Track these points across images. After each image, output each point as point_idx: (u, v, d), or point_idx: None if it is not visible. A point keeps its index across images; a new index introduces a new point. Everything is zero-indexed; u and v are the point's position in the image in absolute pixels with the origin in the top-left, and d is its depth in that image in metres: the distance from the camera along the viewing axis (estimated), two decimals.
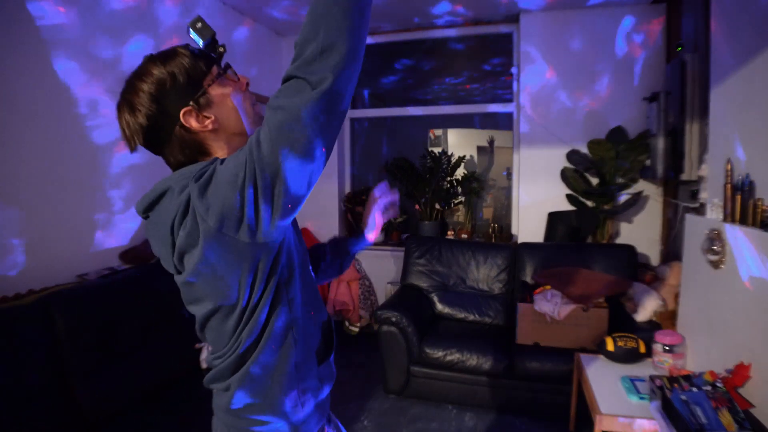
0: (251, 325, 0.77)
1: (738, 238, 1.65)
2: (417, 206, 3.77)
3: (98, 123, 2.26)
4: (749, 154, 1.71)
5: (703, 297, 1.93)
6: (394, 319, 2.71)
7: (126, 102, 0.77)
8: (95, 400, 1.79)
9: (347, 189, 4.16)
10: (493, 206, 4.13)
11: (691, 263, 2.03)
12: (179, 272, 0.77)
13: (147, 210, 0.78)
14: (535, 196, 3.45)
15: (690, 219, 2.11)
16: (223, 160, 0.71)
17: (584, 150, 3.25)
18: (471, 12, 3.41)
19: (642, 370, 2.01)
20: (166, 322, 2.21)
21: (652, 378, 1.74)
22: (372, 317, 3.62)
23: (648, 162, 2.99)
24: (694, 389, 1.58)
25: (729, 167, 1.76)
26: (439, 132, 4.29)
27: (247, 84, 0.87)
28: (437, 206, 3.74)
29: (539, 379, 2.49)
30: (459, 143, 4.28)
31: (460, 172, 3.82)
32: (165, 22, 2.63)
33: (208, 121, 0.79)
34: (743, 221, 1.65)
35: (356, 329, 3.73)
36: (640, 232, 3.27)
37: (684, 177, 2.57)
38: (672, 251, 2.99)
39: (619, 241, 3.31)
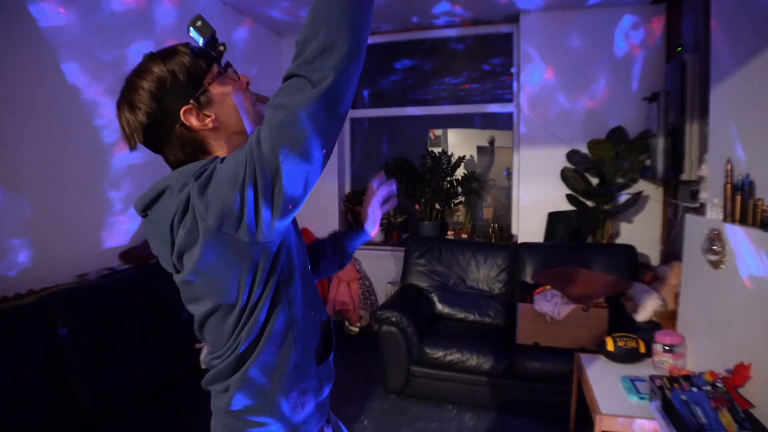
0: (251, 324, 0.77)
1: (738, 238, 1.65)
2: (417, 206, 3.77)
3: (98, 123, 2.27)
4: (749, 154, 1.71)
5: (703, 297, 1.93)
6: (394, 319, 2.71)
7: (126, 100, 0.77)
8: (95, 400, 1.79)
9: (347, 189, 4.16)
10: (493, 206, 4.13)
11: (691, 263, 2.03)
12: (178, 271, 0.76)
13: (146, 208, 0.78)
14: (535, 196, 3.45)
15: (690, 219, 2.11)
16: (223, 159, 0.71)
17: (584, 150, 3.25)
18: (471, 12, 3.41)
19: (642, 370, 2.01)
20: (166, 322, 2.21)
21: (652, 378, 1.74)
22: (372, 317, 3.62)
23: (648, 162, 2.99)
24: (694, 389, 1.58)
25: (729, 167, 1.76)
26: (439, 132, 4.29)
27: (247, 83, 0.87)
28: (437, 206, 3.74)
29: (539, 379, 2.49)
30: (459, 143, 4.28)
31: (460, 172, 3.82)
32: (165, 24, 2.63)
33: (208, 120, 0.79)
34: (743, 221, 1.65)
35: (356, 329, 3.73)
36: (640, 232, 3.27)
37: (684, 177, 2.57)
38: (672, 251, 2.99)
39: (619, 241, 3.31)
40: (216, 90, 0.80)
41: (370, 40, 3.92)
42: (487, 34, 3.71)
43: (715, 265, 1.79)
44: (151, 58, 0.78)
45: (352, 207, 3.96)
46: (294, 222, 0.86)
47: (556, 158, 3.35)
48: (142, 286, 2.16)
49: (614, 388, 1.88)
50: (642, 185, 3.21)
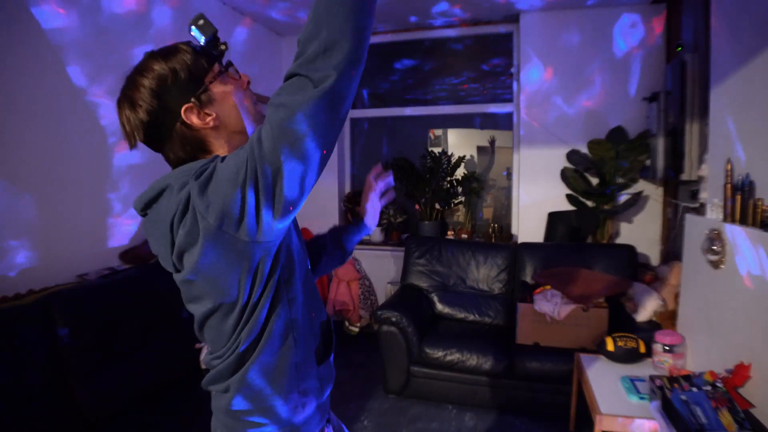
0: (251, 324, 0.77)
1: (738, 238, 1.65)
2: (417, 206, 3.77)
3: (99, 124, 2.27)
4: (749, 154, 1.71)
5: (703, 297, 1.93)
6: (394, 319, 2.71)
7: (127, 98, 0.77)
8: (95, 400, 1.79)
9: (347, 189, 4.16)
10: (493, 206, 4.13)
11: (691, 263, 2.03)
12: (178, 270, 0.76)
13: (145, 207, 0.78)
14: (535, 196, 3.45)
15: (690, 219, 2.11)
16: (223, 158, 0.71)
17: (584, 150, 3.25)
18: (470, 12, 3.41)
19: (642, 370, 2.01)
20: (166, 322, 2.21)
21: (652, 378, 1.74)
22: (372, 317, 3.62)
23: (648, 162, 2.99)
24: (694, 389, 1.58)
25: (729, 167, 1.76)
26: (439, 132, 4.29)
27: (248, 82, 0.87)
28: (437, 206, 3.74)
29: (539, 379, 2.49)
30: (459, 143, 4.28)
31: (460, 172, 3.82)
32: (164, 25, 2.63)
33: (209, 118, 0.79)
34: (743, 221, 1.65)
35: (356, 329, 3.72)
36: (640, 232, 3.27)
37: (684, 177, 2.57)
38: (672, 251, 2.99)
39: (619, 241, 3.31)
40: (217, 89, 0.80)
41: (370, 40, 3.89)
42: (486, 34, 3.71)
43: (715, 265, 1.79)
44: (152, 56, 0.78)
45: (352, 207, 3.96)
46: (294, 222, 0.86)
47: (556, 158, 3.35)
48: (142, 286, 2.16)
49: (614, 388, 1.88)
50: (642, 185, 3.21)
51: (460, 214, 4.00)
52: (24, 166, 1.95)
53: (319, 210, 3.96)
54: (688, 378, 1.67)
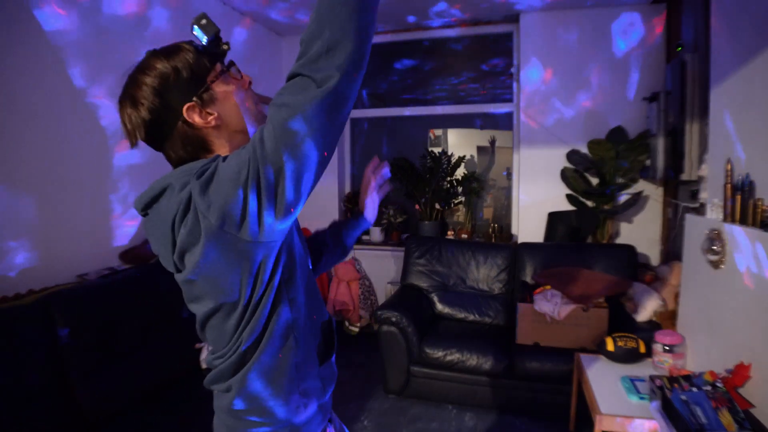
0: (252, 324, 0.77)
1: (738, 238, 1.65)
2: (417, 206, 3.77)
3: (99, 124, 2.27)
4: (749, 154, 1.71)
5: (703, 297, 1.93)
6: (394, 319, 2.71)
7: (128, 96, 0.77)
8: (95, 400, 1.79)
9: (347, 189, 4.16)
10: (493, 206, 4.13)
11: (691, 263, 2.03)
12: (179, 270, 0.76)
13: (146, 207, 0.78)
14: (535, 196, 3.45)
15: (690, 219, 2.11)
16: (225, 158, 0.71)
17: (584, 150, 3.25)
18: (470, 12, 3.41)
19: (642, 370, 2.01)
20: (166, 322, 2.21)
21: (652, 378, 1.74)
22: (372, 317, 3.62)
23: (648, 162, 2.99)
24: (694, 389, 1.58)
25: (729, 167, 1.76)
26: (439, 132, 4.29)
27: (250, 82, 0.87)
28: (437, 206, 3.74)
29: (539, 379, 2.49)
30: (459, 143, 4.28)
31: (460, 172, 3.82)
32: (165, 26, 2.63)
33: (211, 118, 0.78)
34: (743, 221, 1.65)
35: (356, 329, 3.73)
36: (640, 232, 3.27)
37: (684, 177, 2.57)
38: (672, 251, 2.99)
39: (619, 241, 3.31)
40: (219, 88, 0.80)
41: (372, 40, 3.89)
42: (486, 34, 3.71)
43: (715, 265, 1.79)
44: (154, 54, 0.78)
45: (352, 207, 3.96)
46: (296, 222, 0.86)
47: (556, 158, 3.35)
48: (142, 286, 2.16)
49: (614, 388, 1.88)
50: (642, 185, 3.21)
51: (460, 214, 4.00)
52: (24, 167, 1.95)
53: (319, 210, 3.95)
54: (688, 378, 1.67)
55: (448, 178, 3.73)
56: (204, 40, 0.80)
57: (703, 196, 2.39)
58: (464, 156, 3.83)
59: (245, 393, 0.81)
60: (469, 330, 2.94)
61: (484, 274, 3.20)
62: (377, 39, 3.83)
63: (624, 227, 3.33)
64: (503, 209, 4.02)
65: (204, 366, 2.20)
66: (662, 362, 1.98)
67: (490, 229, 3.75)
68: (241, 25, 3.37)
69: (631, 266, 2.90)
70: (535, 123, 3.41)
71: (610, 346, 2.11)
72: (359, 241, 3.95)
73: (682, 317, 2.13)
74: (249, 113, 0.84)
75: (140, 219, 2.51)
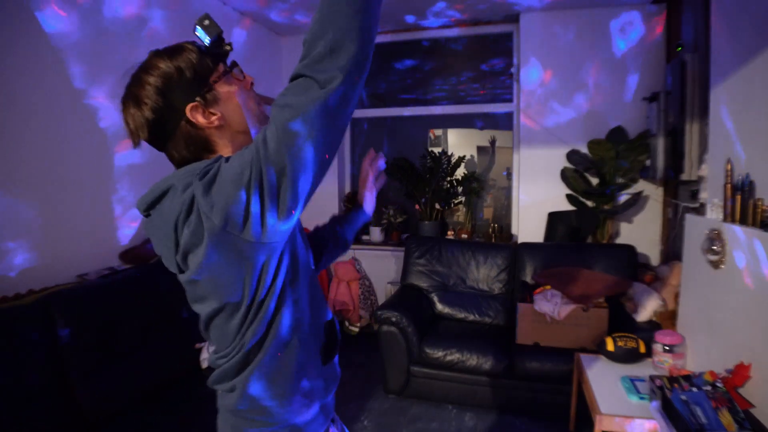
0: (256, 324, 0.77)
1: (738, 238, 1.65)
2: (417, 206, 3.77)
3: (98, 124, 2.27)
4: (749, 154, 1.71)
5: (703, 297, 1.93)
6: (394, 319, 2.71)
7: (131, 95, 0.77)
8: (95, 400, 1.79)
9: (347, 189, 4.16)
10: (493, 206, 4.13)
11: (691, 263, 2.03)
12: (182, 271, 0.76)
13: (149, 208, 0.77)
14: (535, 196, 3.45)
15: (690, 219, 2.11)
16: (227, 158, 0.71)
17: (584, 150, 3.25)
18: (470, 12, 3.41)
19: (642, 370, 2.01)
20: (166, 322, 2.21)
21: (652, 378, 1.74)
22: (372, 317, 3.62)
23: (648, 162, 2.99)
24: (694, 389, 1.58)
25: (729, 167, 1.76)
26: (439, 132, 4.29)
27: (252, 83, 0.87)
28: (437, 206, 3.74)
29: (539, 379, 2.49)
30: (459, 143, 4.28)
31: (460, 172, 3.82)
32: (165, 27, 2.63)
33: (214, 118, 0.79)
34: (743, 221, 1.65)
35: (356, 329, 3.73)
36: (640, 232, 3.27)
37: (684, 177, 2.57)
38: (672, 251, 2.99)
39: (619, 241, 3.31)
40: (222, 89, 0.80)
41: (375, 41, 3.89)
42: (486, 34, 3.71)
43: (715, 265, 1.79)
44: (157, 54, 0.78)
45: (353, 207, 3.96)
46: (298, 223, 0.86)
47: (556, 158, 3.35)
48: (142, 286, 2.16)
49: (614, 388, 1.88)
50: (642, 185, 3.21)
51: (460, 214, 4.00)
52: (24, 167, 1.95)
53: (319, 210, 3.92)
54: (688, 378, 1.67)
55: (448, 178, 3.73)
56: (207, 40, 0.80)
57: (703, 196, 2.39)
58: (464, 156, 3.83)
59: (249, 393, 0.81)
60: (469, 330, 2.94)
61: (484, 274, 3.20)
62: (377, 39, 3.82)
63: (624, 227, 3.33)
64: (503, 209, 4.02)
65: (204, 366, 2.20)
66: (662, 362, 1.98)
67: (490, 229, 3.75)
68: (241, 25, 3.37)
69: (631, 266, 2.90)
70: (535, 123, 3.41)
71: (610, 346, 2.11)
72: (359, 241, 3.95)
73: (682, 317, 2.13)
74: (251, 114, 0.84)
75: (140, 219, 2.51)
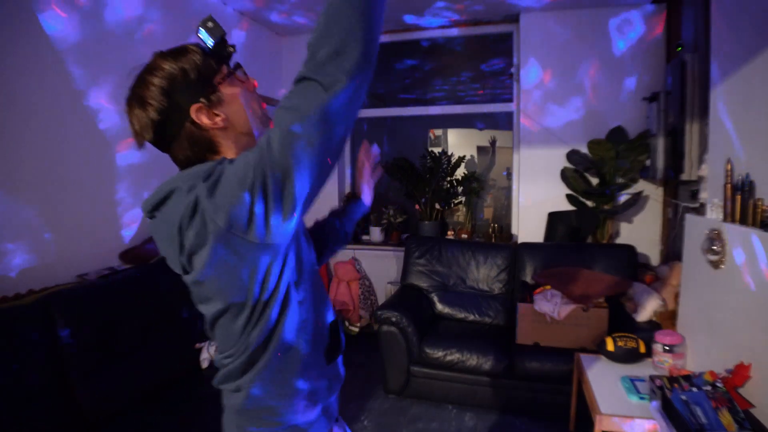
0: (260, 325, 0.77)
1: (738, 238, 1.65)
2: (417, 206, 3.77)
3: (98, 124, 2.27)
4: (749, 154, 1.71)
5: (703, 297, 1.93)
6: (394, 319, 2.71)
7: (136, 96, 0.77)
8: (95, 400, 1.79)
9: (347, 189, 4.17)
10: (493, 206, 4.13)
11: (691, 263, 2.03)
12: (186, 272, 0.76)
13: (153, 210, 0.78)
14: (535, 196, 3.45)
15: (690, 219, 2.10)
16: (231, 160, 0.71)
17: (584, 150, 3.25)
18: (471, 12, 3.41)
19: (642, 370, 2.01)
20: (166, 322, 2.21)
21: (652, 378, 1.74)
22: (372, 317, 3.62)
23: (648, 162, 2.99)
24: (694, 389, 1.58)
25: (729, 167, 1.76)
26: (439, 132, 4.29)
27: (255, 85, 0.88)
28: (437, 206, 3.74)
29: (539, 379, 2.49)
30: (459, 143, 4.28)
31: (460, 172, 3.82)
32: (166, 29, 2.63)
33: (218, 119, 0.79)
34: (743, 221, 1.65)
35: (356, 329, 3.73)
36: (640, 232, 3.27)
37: (684, 177, 2.57)
38: (672, 251, 2.99)
39: (619, 241, 3.31)
40: (226, 90, 0.81)
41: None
42: (486, 34, 3.71)
43: (715, 265, 1.79)
44: (161, 56, 0.79)
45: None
46: (302, 225, 0.86)
47: (556, 158, 3.35)
48: (142, 286, 2.16)
49: (614, 388, 1.88)
50: (642, 185, 3.21)
51: (460, 214, 4.00)
52: (24, 167, 1.95)
53: (319, 210, 3.95)
54: (688, 378, 1.67)
55: (448, 178, 3.74)
56: (210, 42, 0.80)
57: (703, 196, 2.39)
58: (464, 156, 3.83)
59: (254, 393, 0.81)
60: (469, 330, 2.94)
61: (484, 274, 3.20)
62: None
63: (624, 227, 3.33)
64: (503, 209, 4.02)
65: (204, 366, 2.20)
66: (662, 362, 1.98)
67: (490, 229, 3.75)
68: (241, 26, 3.37)
69: (631, 266, 2.90)
70: (535, 123, 3.41)
71: (610, 346, 2.11)
72: (359, 241, 3.95)
73: (682, 317, 2.13)
74: (254, 115, 0.84)
75: (140, 219, 2.52)
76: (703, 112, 2.38)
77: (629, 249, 2.96)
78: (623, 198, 3.20)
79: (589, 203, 3.24)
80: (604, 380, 1.94)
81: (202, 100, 0.78)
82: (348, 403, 2.70)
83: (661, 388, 1.64)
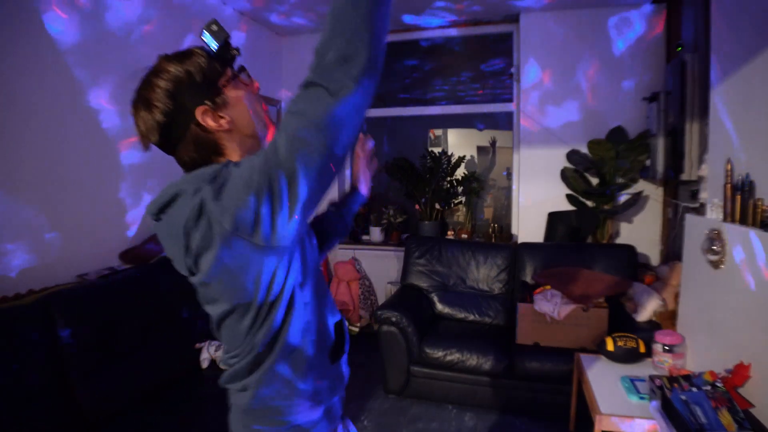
0: (266, 326, 0.78)
1: (738, 238, 1.65)
2: (417, 206, 3.77)
3: (99, 125, 2.27)
4: (749, 154, 1.71)
5: (703, 297, 1.93)
6: (394, 319, 2.71)
7: (142, 99, 0.78)
8: (95, 400, 1.79)
9: (347, 189, 4.16)
10: (493, 206, 4.13)
11: (691, 263, 2.03)
12: (193, 273, 0.77)
13: (159, 212, 0.78)
14: (535, 196, 3.45)
15: (690, 219, 2.11)
16: (237, 164, 0.72)
17: (584, 150, 3.25)
18: (471, 12, 3.41)
19: (642, 370, 2.01)
20: (166, 322, 2.21)
21: (651, 378, 1.74)
22: (372, 317, 3.62)
23: (648, 162, 2.99)
24: (694, 389, 1.58)
25: (729, 167, 1.76)
26: (439, 132, 4.29)
27: (258, 87, 0.89)
28: (437, 206, 3.74)
29: (539, 379, 2.49)
30: (459, 143, 4.28)
31: (460, 172, 3.82)
32: (166, 30, 2.63)
33: (223, 121, 0.80)
34: (743, 221, 1.65)
35: (356, 329, 3.73)
36: (640, 232, 3.27)
37: (684, 177, 2.57)
38: (672, 251, 2.99)
39: (619, 241, 3.31)
40: (230, 93, 0.82)
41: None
42: (487, 34, 3.71)
43: (715, 265, 1.79)
44: (166, 58, 0.80)
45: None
46: (308, 226, 0.87)
47: (556, 158, 3.35)
48: (142, 286, 2.15)
49: (614, 388, 1.88)
50: (642, 185, 3.21)
51: (460, 214, 4.00)
52: (24, 167, 1.95)
53: (319, 210, 3.95)
54: (687, 378, 1.67)
55: (448, 178, 3.74)
56: (214, 45, 0.81)
57: (703, 196, 2.39)
58: (464, 156, 3.83)
59: (260, 393, 0.82)
60: (469, 330, 2.94)
61: (484, 274, 3.20)
62: None
63: (624, 227, 3.33)
64: (503, 209, 4.02)
65: (204, 366, 2.20)
66: (662, 362, 1.98)
67: (490, 229, 3.75)
68: (241, 26, 3.37)
69: (631, 266, 2.90)
70: (535, 123, 3.41)
71: (610, 346, 2.11)
72: (359, 241, 3.95)
73: (682, 317, 2.13)
74: (258, 117, 0.86)
75: (140, 219, 2.52)
76: (703, 112, 2.38)
77: (629, 249, 2.96)
78: (623, 198, 3.20)
79: (589, 203, 3.24)
80: (604, 380, 1.94)
81: (207, 102, 0.79)
82: (348, 403, 2.69)
83: (661, 387, 1.64)
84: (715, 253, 1.77)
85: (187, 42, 2.73)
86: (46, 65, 2.02)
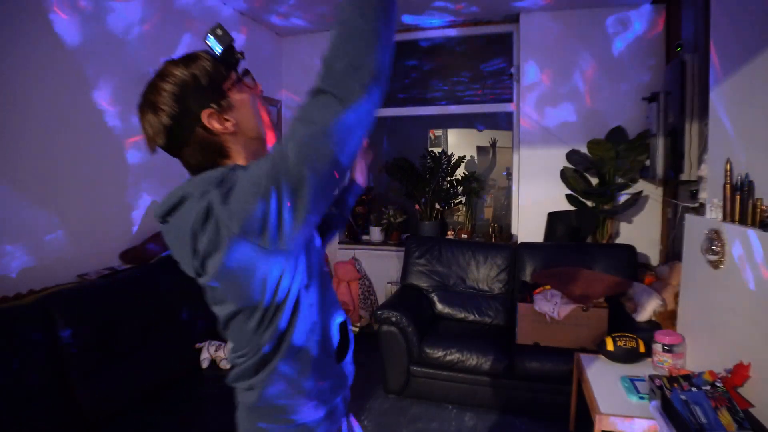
0: (272, 327, 0.79)
1: (738, 238, 1.65)
2: (417, 206, 3.77)
3: (99, 125, 2.27)
4: (749, 154, 1.71)
5: (702, 297, 1.93)
6: (394, 319, 2.71)
7: (148, 102, 0.79)
8: (95, 400, 1.79)
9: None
10: (493, 206, 4.13)
11: (691, 263, 2.03)
12: (200, 276, 0.78)
13: (166, 215, 0.79)
14: (535, 196, 3.45)
15: (690, 219, 2.11)
16: (244, 168, 0.73)
17: (584, 150, 3.25)
18: (471, 12, 3.41)
19: (642, 370, 2.01)
20: (166, 322, 2.21)
21: (651, 378, 1.74)
22: (372, 317, 3.62)
23: (648, 162, 2.99)
24: (694, 389, 1.58)
25: (728, 167, 1.76)
26: (439, 132, 4.29)
27: (261, 91, 0.90)
28: (437, 206, 3.74)
29: (539, 379, 2.49)
30: (459, 143, 4.28)
31: (460, 172, 3.82)
32: (167, 31, 2.63)
33: (228, 124, 0.81)
34: (743, 221, 1.65)
35: (356, 329, 3.73)
36: (640, 232, 3.27)
37: (684, 177, 2.57)
38: (672, 251, 2.99)
39: (619, 241, 3.31)
40: (235, 96, 0.83)
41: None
42: (487, 34, 3.71)
43: (715, 265, 1.79)
44: (172, 63, 0.81)
45: (354, 206, 3.96)
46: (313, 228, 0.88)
47: (556, 158, 3.35)
48: (142, 286, 2.15)
49: (614, 388, 1.88)
50: (642, 185, 3.21)
51: (460, 214, 4.00)
52: (24, 167, 1.95)
53: None
54: (687, 378, 1.67)
55: (448, 178, 3.74)
56: (218, 49, 0.82)
57: (703, 196, 2.39)
58: (464, 156, 3.83)
59: (266, 392, 0.84)
60: (469, 330, 2.94)
61: (484, 274, 3.20)
62: None
63: (624, 227, 3.33)
64: (503, 209, 4.02)
65: (204, 366, 2.20)
66: (662, 362, 1.98)
67: (490, 229, 3.75)
68: (241, 26, 3.37)
69: (631, 266, 2.90)
70: (535, 123, 3.41)
71: (609, 346, 2.12)
72: (359, 241, 3.95)
73: (682, 317, 2.13)
74: (262, 120, 0.87)
75: (140, 219, 2.52)
76: (703, 112, 2.38)
77: (629, 249, 2.96)
78: (623, 198, 3.20)
79: (589, 203, 3.24)
80: (603, 380, 1.94)
81: (212, 105, 0.80)
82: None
83: (661, 387, 1.64)
84: (714, 253, 1.77)
85: (187, 42, 2.74)
86: (46, 66, 2.02)
